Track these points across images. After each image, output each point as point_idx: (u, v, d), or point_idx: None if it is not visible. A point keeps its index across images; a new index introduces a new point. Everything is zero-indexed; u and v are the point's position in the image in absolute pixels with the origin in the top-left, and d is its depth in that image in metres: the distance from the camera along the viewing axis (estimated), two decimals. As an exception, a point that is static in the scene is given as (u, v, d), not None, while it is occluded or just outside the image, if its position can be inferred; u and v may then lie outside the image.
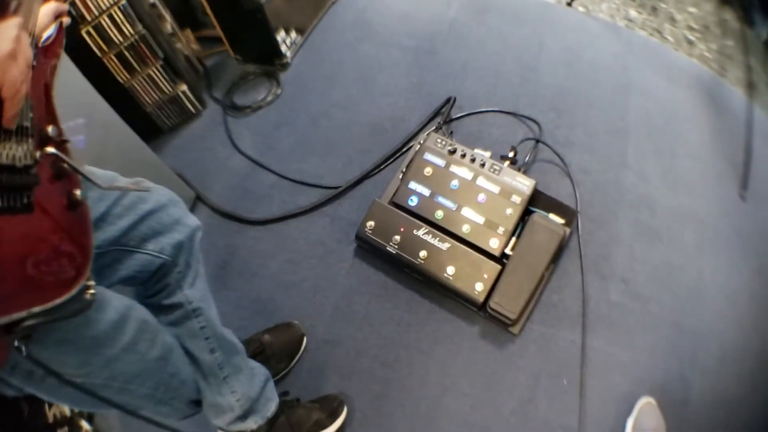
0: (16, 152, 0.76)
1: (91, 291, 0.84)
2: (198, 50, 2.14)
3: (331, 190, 1.77)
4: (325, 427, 1.54)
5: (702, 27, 2.10)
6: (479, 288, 1.46)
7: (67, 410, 1.88)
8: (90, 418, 1.92)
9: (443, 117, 1.81)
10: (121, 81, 1.88)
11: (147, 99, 1.95)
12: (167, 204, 1.19)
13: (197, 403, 1.35)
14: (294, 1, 2.09)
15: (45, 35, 0.95)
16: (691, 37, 2.05)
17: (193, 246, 1.25)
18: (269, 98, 2.03)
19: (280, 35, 2.04)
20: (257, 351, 1.61)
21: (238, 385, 1.36)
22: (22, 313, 0.72)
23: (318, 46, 2.16)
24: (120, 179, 1.14)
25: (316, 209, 1.77)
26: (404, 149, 1.78)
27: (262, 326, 1.64)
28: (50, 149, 0.81)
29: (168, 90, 1.95)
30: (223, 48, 2.13)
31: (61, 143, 0.88)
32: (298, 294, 1.70)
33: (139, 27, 1.81)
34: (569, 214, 1.55)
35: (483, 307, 1.46)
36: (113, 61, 1.84)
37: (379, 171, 1.78)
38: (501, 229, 1.49)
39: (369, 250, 1.61)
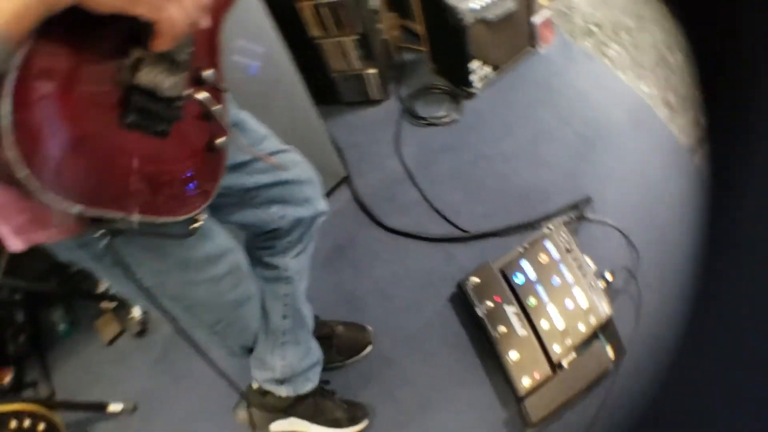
0: (163, 81, 0.75)
1: (196, 225, 0.89)
2: (398, 38, 2.24)
3: (460, 232, 1.89)
4: (340, 427, 1.62)
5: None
6: (526, 383, 1.55)
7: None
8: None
9: (576, 213, 1.87)
10: (312, 35, 1.98)
11: (334, 65, 2.06)
12: (305, 181, 1.27)
13: (248, 351, 1.42)
14: (495, 36, 2.14)
15: None
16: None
17: (312, 225, 1.33)
18: (446, 119, 2.14)
19: (475, 65, 2.11)
20: (325, 335, 1.71)
21: (290, 355, 1.43)
22: (119, 215, 0.74)
23: (506, 90, 2.23)
24: (269, 141, 1.21)
25: (439, 242, 1.90)
26: (535, 226, 1.86)
27: (342, 317, 1.79)
28: (201, 95, 0.84)
29: (357, 66, 2.06)
30: (422, 49, 2.23)
31: (216, 90, 0.89)
32: (387, 306, 1.84)
33: None
34: (621, 354, 1.60)
35: (519, 400, 1.56)
36: (310, 11, 1.91)
37: (507, 234, 1.87)
38: (569, 341, 1.58)
39: (462, 300, 1.73)
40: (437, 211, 1.95)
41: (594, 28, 2.42)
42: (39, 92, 0.63)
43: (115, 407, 2.09)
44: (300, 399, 1.53)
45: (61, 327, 2.49)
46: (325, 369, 1.64)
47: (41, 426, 1.97)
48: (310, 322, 1.49)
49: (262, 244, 1.31)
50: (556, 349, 1.59)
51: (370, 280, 1.90)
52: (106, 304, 2.38)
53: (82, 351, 2.38)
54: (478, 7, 2.01)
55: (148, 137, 0.76)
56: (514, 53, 2.27)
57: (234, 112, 1.13)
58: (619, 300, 1.77)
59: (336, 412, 1.62)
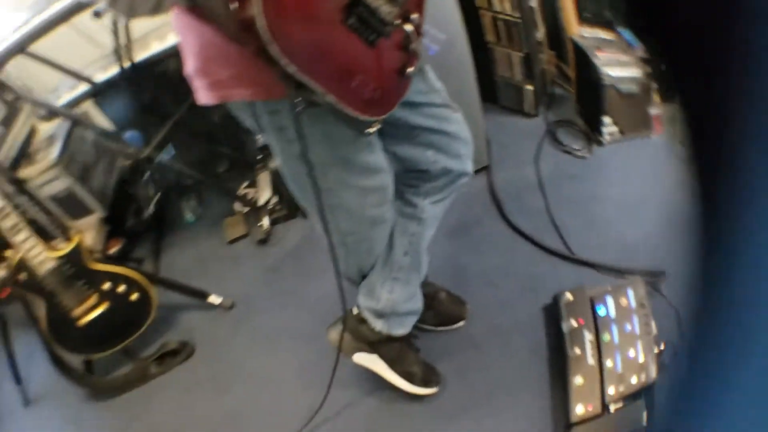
0: (382, 6, 0.94)
1: (371, 130, 1.05)
2: (551, 73, 2.43)
3: (567, 252, 2.01)
4: (411, 382, 1.68)
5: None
6: (579, 411, 1.61)
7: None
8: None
9: (651, 280, 1.89)
10: (487, 39, 2.22)
11: (499, 69, 2.29)
12: (462, 139, 1.42)
13: (362, 277, 1.53)
14: (623, 106, 2.24)
15: None
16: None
17: (455, 181, 1.46)
18: (578, 153, 2.29)
19: (607, 121, 2.25)
20: (428, 295, 1.77)
21: (397, 291, 1.52)
22: (319, 89, 0.90)
23: (626, 152, 2.29)
24: (441, 95, 1.36)
25: (549, 254, 2.01)
26: (623, 275, 1.93)
27: (445, 284, 1.90)
28: (408, 27, 1.02)
29: (517, 78, 2.28)
30: (570, 90, 2.41)
31: (417, 31, 1.06)
32: (489, 293, 1.96)
33: (517, 14, 2.12)
34: (651, 421, 1.60)
35: (568, 426, 1.62)
36: (489, 19, 2.17)
37: (601, 271, 1.96)
38: (621, 388, 1.63)
39: (553, 313, 1.84)
40: (555, 226, 2.07)
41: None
42: None
43: (214, 299, 2.24)
44: (389, 339, 1.61)
45: (188, 216, 2.69)
46: (416, 326, 1.75)
47: (135, 295, 2.11)
48: (424, 271, 1.58)
49: (408, 181, 1.44)
50: (610, 390, 1.63)
51: (482, 264, 2.04)
52: (240, 207, 2.57)
53: (200, 243, 2.58)
54: (614, 75, 2.16)
55: (359, 41, 0.94)
56: (634, 128, 2.34)
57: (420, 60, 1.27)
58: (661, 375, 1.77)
59: (414, 367, 1.69)
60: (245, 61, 0.88)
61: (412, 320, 1.65)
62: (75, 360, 2.24)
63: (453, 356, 1.83)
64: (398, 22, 0.99)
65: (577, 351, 1.74)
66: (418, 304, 1.63)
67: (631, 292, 1.82)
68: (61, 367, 2.18)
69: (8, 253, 1.95)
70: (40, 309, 2.03)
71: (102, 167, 2.67)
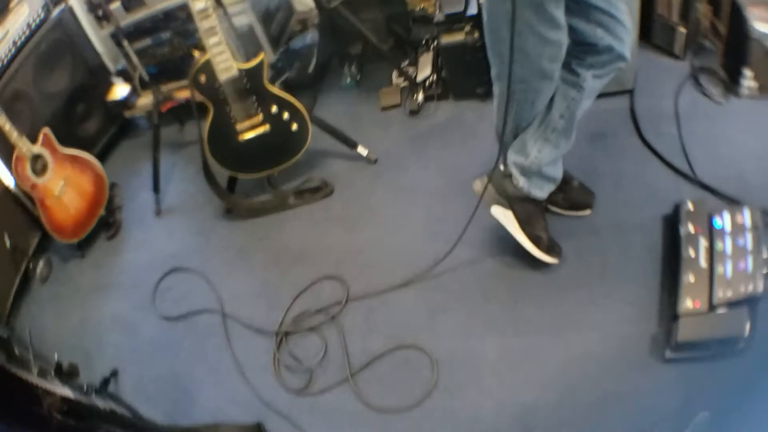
0: None
1: None
2: (704, 25, 2.54)
3: (693, 175, 2.14)
4: (537, 246, 1.82)
5: None
6: (687, 304, 1.72)
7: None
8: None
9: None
10: None
11: (659, 7, 2.45)
12: (626, 27, 1.56)
13: (514, 135, 1.68)
14: None
15: None
16: None
17: (614, 61, 1.59)
18: (715, 98, 2.42)
19: (748, 74, 2.34)
20: (563, 180, 1.90)
21: (546, 152, 1.67)
22: None
23: (755, 110, 2.37)
24: None
25: (676, 173, 2.13)
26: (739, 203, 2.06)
27: (577, 177, 2.04)
28: None
29: (673, 19, 2.42)
30: (718, 45, 2.53)
31: None
32: (614, 193, 2.07)
33: None
34: (754, 334, 1.70)
35: (675, 316, 1.71)
36: None
37: (723, 198, 2.08)
38: (728, 293, 1.70)
39: (672, 221, 1.95)
40: (684, 151, 2.24)
41: None
42: None
43: (362, 150, 2.46)
44: (526, 199, 1.76)
45: (348, 80, 2.94)
46: (546, 207, 1.92)
47: (295, 125, 2.25)
48: (572, 140, 1.72)
49: (576, 53, 1.57)
50: (719, 293, 1.73)
51: (613, 167, 2.16)
52: (398, 79, 2.81)
53: (355, 105, 2.81)
54: (763, 30, 2.26)
55: None
56: None
57: None
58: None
59: (542, 233, 1.83)
60: None
61: (551, 187, 1.80)
62: (220, 178, 2.40)
63: (575, 238, 1.97)
64: None
65: (692, 253, 1.88)
66: (559, 173, 1.78)
67: (747, 213, 1.94)
68: (209, 178, 2.37)
69: (196, 53, 2.14)
70: (207, 118, 2.19)
71: (281, 15, 2.94)
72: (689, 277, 1.79)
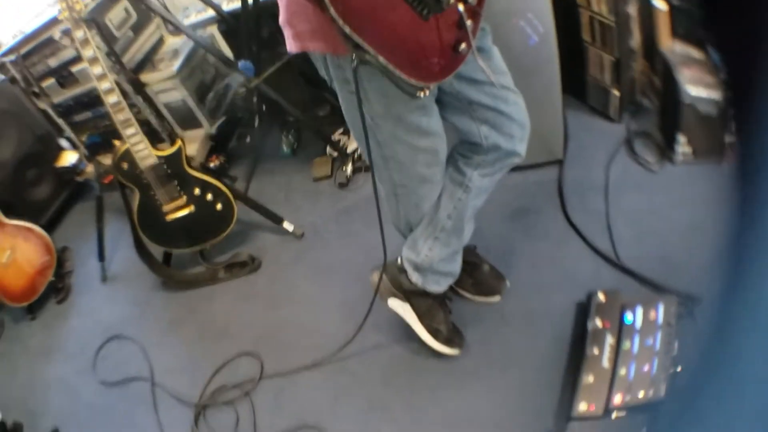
0: None
1: (421, 94, 1.13)
2: (642, 82, 2.41)
3: (615, 258, 2.03)
4: (435, 339, 1.79)
5: None
6: (582, 408, 1.64)
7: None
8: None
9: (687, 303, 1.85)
10: (583, 38, 2.23)
11: (592, 70, 2.31)
12: (516, 121, 1.49)
13: (409, 229, 1.66)
14: (700, 127, 2.19)
15: None
16: None
17: (505, 159, 1.54)
18: (649, 166, 2.30)
19: (682, 139, 2.22)
20: (471, 263, 1.90)
21: (436, 250, 1.63)
22: (371, 50, 1.02)
23: (697, 174, 2.25)
24: (504, 77, 1.44)
25: (598, 255, 2.05)
26: (658, 290, 1.94)
27: (492, 260, 2.00)
28: (461, 7, 1.09)
29: (606, 81, 2.30)
30: (655, 102, 2.38)
31: (475, 12, 1.15)
32: (529, 276, 2.04)
33: (613, 18, 2.11)
34: None
35: (568, 419, 1.67)
36: (585, 18, 2.18)
37: (643, 283, 1.97)
38: (627, 398, 1.65)
39: (583, 309, 1.89)
40: (609, 230, 2.12)
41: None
42: None
43: (287, 226, 2.49)
44: (423, 293, 1.73)
45: (285, 149, 2.94)
46: (455, 291, 1.91)
47: (219, 206, 2.36)
48: (466, 237, 1.67)
49: (462, 151, 1.54)
50: (616, 397, 1.67)
51: (531, 250, 2.12)
52: (330, 150, 2.79)
53: (290, 174, 2.83)
54: (695, 94, 2.11)
55: (413, 13, 1.03)
56: (707, 152, 2.28)
57: (486, 42, 1.39)
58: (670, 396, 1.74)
59: (441, 326, 1.79)
60: (318, 18, 1.01)
61: (448, 281, 1.75)
62: (156, 250, 2.52)
63: (481, 326, 1.94)
64: (453, 1, 1.06)
65: (595, 351, 1.78)
66: (455, 267, 1.73)
67: (661, 309, 1.82)
68: (142, 253, 2.49)
69: (117, 143, 2.23)
70: (135, 199, 2.31)
71: (217, 89, 2.97)
72: (589, 378, 1.71)
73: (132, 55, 2.77)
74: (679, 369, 1.71)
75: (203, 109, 2.84)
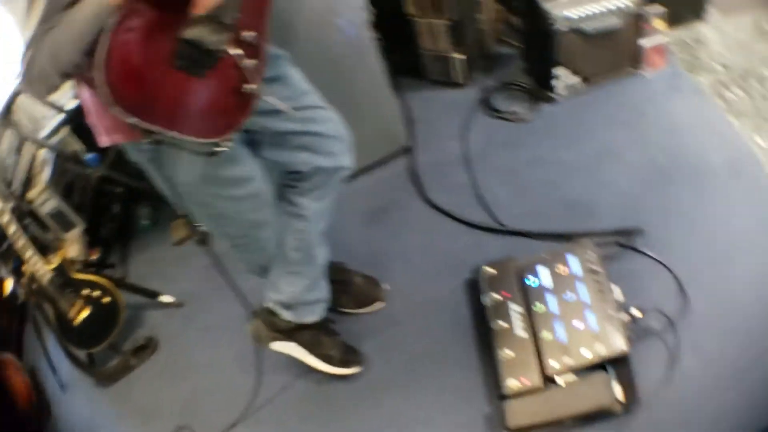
0: (206, 36, 1.01)
1: (219, 149, 1.14)
2: (498, 30, 2.29)
3: (495, 224, 1.93)
4: (330, 364, 1.76)
5: None
6: (511, 384, 1.55)
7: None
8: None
9: (622, 240, 1.80)
10: (408, 12, 2.14)
11: (424, 43, 2.20)
12: (333, 137, 1.48)
13: (265, 271, 1.64)
14: (591, 50, 2.10)
15: None
16: None
17: (333, 176, 1.52)
18: (518, 117, 2.17)
19: (561, 72, 2.10)
20: (343, 281, 1.89)
21: (297, 284, 1.62)
22: (159, 129, 1.04)
23: (590, 103, 2.19)
24: (308, 96, 1.43)
25: (472, 228, 1.96)
26: (568, 239, 1.83)
27: (366, 269, 1.93)
28: (234, 51, 1.10)
29: (444, 49, 2.17)
30: (519, 45, 2.27)
31: (254, 47, 1.16)
32: (408, 272, 1.94)
33: None
34: (632, 399, 1.53)
35: (501, 398, 1.57)
36: None
37: (539, 239, 1.87)
38: (567, 360, 1.54)
39: (474, 284, 1.79)
40: (481, 199, 2.00)
41: (718, 67, 2.28)
42: (124, 39, 0.97)
43: (166, 299, 2.45)
44: (302, 327, 1.69)
45: (144, 222, 2.88)
46: (335, 311, 1.86)
47: (107, 299, 2.35)
48: (322, 262, 1.65)
49: (288, 182, 1.51)
50: (553, 363, 1.56)
51: (400, 245, 2.02)
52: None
53: (155, 246, 2.74)
54: (575, 16, 1.99)
55: (188, 77, 1.04)
56: (610, 70, 2.20)
57: (282, 69, 1.39)
58: (651, 344, 1.66)
59: (331, 350, 1.76)
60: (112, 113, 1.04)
61: (321, 307, 1.73)
62: (80, 353, 2.48)
63: (375, 336, 1.87)
64: (226, 47, 1.06)
65: (502, 324, 1.68)
66: (322, 293, 1.71)
67: (573, 259, 1.72)
68: (72, 360, 2.46)
69: (24, 267, 2.27)
70: (50, 312, 2.34)
71: (80, 185, 2.91)
72: (507, 352, 1.61)
73: (19, 179, 2.75)
74: (638, 314, 1.61)
75: (73, 209, 2.79)
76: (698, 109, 2.15)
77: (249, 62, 1.13)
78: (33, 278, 2.23)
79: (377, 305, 1.92)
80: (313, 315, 1.70)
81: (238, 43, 1.11)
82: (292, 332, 1.70)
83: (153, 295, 2.50)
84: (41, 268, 2.23)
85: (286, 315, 1.67)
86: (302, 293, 1.64)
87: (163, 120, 1.04)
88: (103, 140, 1.23)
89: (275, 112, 1.34)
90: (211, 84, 1.10)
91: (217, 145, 1.12)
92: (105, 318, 2.42)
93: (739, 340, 1.67)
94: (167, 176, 1.24)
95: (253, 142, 1.40)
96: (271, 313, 1.69)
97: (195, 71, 1.04)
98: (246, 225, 1.47)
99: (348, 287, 1.90)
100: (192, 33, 1.00)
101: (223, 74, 1.11)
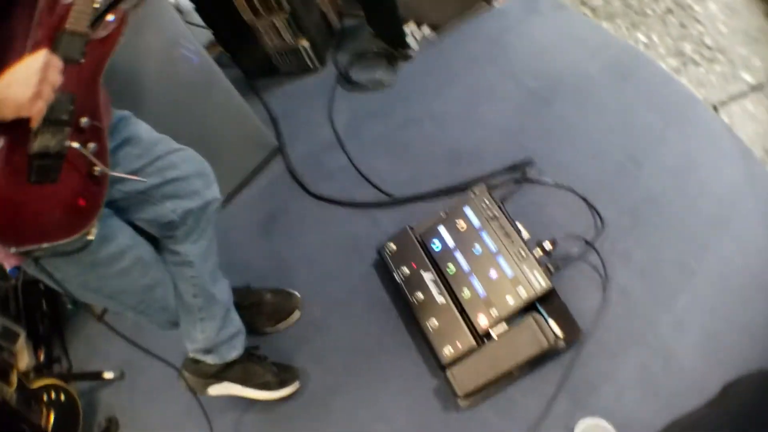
0: (50, 143, 1.06)
1: (90, 237, 1.16)
2: (337, 6, 2.21)
3: (385, 197, 1.85)
4: (270, 390, 1.74)
5: None
6: (447, 352, 1.49)
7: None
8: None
9: (516, 176, 1.76)
10: (246, 18, 2.06)
11: (268, 41, 2.12)
12: (192, 175, 1.45)
13: (175, 324, 1.63)
14: None
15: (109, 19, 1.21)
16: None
17: (203, 214, 1.50)
18: (379, 84, 2.08)
19: (410, 27, 2.04)
20: (254, 303, 1.85)
21: (208, 328, 1.62)
22: (34, 246, 1.08)
23: (446, 50, 2.14)
24: (161, 144, 1.42)
25: (364, 207, 1.88)
26: (462, 190, 1.77)
27: (274, 283, 1.86)
28: (75, 144, 1.10)
29: (289, 41, 2.09)
30: (362, 14, 2.17)
31: (93, 131, 1.16)
32: (314, 273, 1.88)
33: None
34: (573, 331, 1.49)
35: (444, 369, 1.50)
36: (240, 1, 2.02)
37: (432, 199, 1.80)
38: (494, 312, 1.49)
39: (383, 264, 1.70)
40: (363, 177, 1.92)
41: (573, -23, 2.23)
42: None
43: (108, 375, 2.42)
44: (229, 365, 1.70)
45: (70, 307, 2.81)
46: (256, 335, 1.86)
47: (62, 396, 2.33)
48: (225, 298, 1.65)
49: (165, 234, 1.50)
50: (481, 320, 1.52)
51: (300, 248, 1.94)
52: None
53: (83, 326, 2.63)
54: None
55: (41, 187, 1.07)
56: (460, 11, 2.14)
57: (128, 129, 1.39)
58: (576, 270, 1.64)
59: (266, 376, 1.74)
60: None
61: (241, 339, 1.72)
62: None
63: (303, 346, 1.82)
64: (68, 143, 1.09)
65: (420, 296, 1.64)
66: (236, 325, 1.71)
67: (469, 210, 1.68)
68: None
69: None
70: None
71: (12, 296, 2.88)
72: (433, 323, 1.57)
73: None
74: (549, 246, 1.57)
75: (11, 319, 2.74)
76: (563, 25, 2.12)
77: (92, 145, 1.15)
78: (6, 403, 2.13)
79: (295, 316, 1.89)
80: (234, 350, 1.70)
81: (79, 131, 1.13)
82: (221, 373, 1.71)
83: (97, 376, 2.51)
84: (8, 392, 2.16)
85: (210, 359, 1.69)
86: (216, 335, 1.64)
87: (34, 237, 1.08)
88: (5, 265, 1.26)
89: (133, 173, 1.35)
90: (65, 182, 1.12)
91: (87, 233, 1.15)
92: (67, 415, 2.40)
93: (660, 236, 1.67)
94: (58, 280, 1.26)
95: (119, 209, 1.39)
96: (195, 361, 1.71)
97: (50, 179, 1.08)
98: (140, 292, 1.48)
99: (261, 308, 1.87)
100: (36, 146, 1.03)
101: (72, 167, 1.13)
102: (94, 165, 1.16)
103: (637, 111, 1.87)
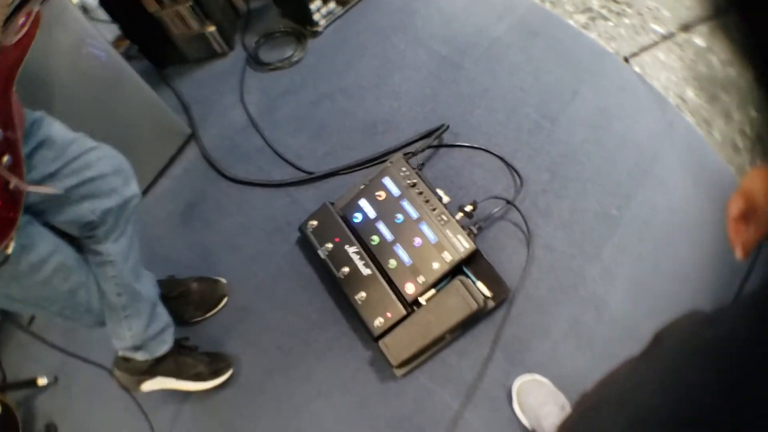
0: None
1: (8, 251, 1.14)
2: None
3: (303, 174, 1.81)
4: (204, 380, 1.74)
5: (756, 136, 1.82)
6: (378, 323, 1.47)
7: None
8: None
9: (432, 142, 1.73)
10: (151, 11, 2.00)
11: (175, 30, 2.05)
12: (108, 174, 1.42)
13: (102, 324, 1.61)
14: None
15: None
16: (740, 144, 1.79)
17: (123, 211, 1.48)
18: (288, 62, 2.03)
19: (316, 3, 2.01)
20: (181, 293, 1.83)
21: (135, 324, 1.59)
22: None
23: (353, 22, 2.11)
24: (76, 144, 1.38)
25: (282, 186, 1.83)
26: (379, 161, 1.75)
27: (198, 272, 1.81)
28: None
29: (195, 28, 2.02)
30: None
31: (7, 141, 1.12)
32: (238, 257, 1.83)
33: None
34: (501, 290, 1.48)
35: (376, 340, 1.48)
36: None
37: (350, 172, 1.77)
38: (421, 279, 1.47)
39: (306, 241, 1.66)
40: (279, 156, 1.86)
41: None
42: None
43: (42, 381, 2.34)
44: (160, 360, 1.69)
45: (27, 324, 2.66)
46: (186, 325, 1.84)
47: (1, 410, 2.24)
48: (150, 293, 1.63)
49: (85, 235, 1.47)
50: (408, 288, 1.50)
51: (221, 233, 1.89)
52: None
53: (14, 335, 2.53)
54: None
55: None
56: None
57: (42, 131, 1.33)
58: (500, 230, 1.64)
59: (198, 367, 1.74)
60: None
61: (170, 332, 1.71)
62: None
63: (234, 332, 1.78)
64: None
65: (346, 270, 1.61)
66: (164, 319, 1.69)
67: (388, 180, 1.65)
68: None
69: None
70: None
71: None
72: (361, 296, 1.55)
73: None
74: (470, 208, 1.57)
75: None
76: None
77: (6, 158, 1.11)
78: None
79: (222, 302, 1.87)
80: (164, 345, 1.68)
81: None
82: (153, 369, 1.70)
83: (31, 383, 2.42)
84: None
85: (140, 356, 1.67)
86: (144, 331, 1.63)
87: None
88: None
89: (50, 176, 1.32)
90: None
91: (5, 247, 1.12)
92: (5, 427, 2.31)
93: (580, 189, 1.69)
94: None
95: (37, 212, 1.36)
96: (126, 359, 1.69)
97: None
98: (65, 296, 1.45)
99: (187, 297, 1.85)
100: None
101: None
102: (9, 179, 1.12)
103: (548, 68, 1.88)
